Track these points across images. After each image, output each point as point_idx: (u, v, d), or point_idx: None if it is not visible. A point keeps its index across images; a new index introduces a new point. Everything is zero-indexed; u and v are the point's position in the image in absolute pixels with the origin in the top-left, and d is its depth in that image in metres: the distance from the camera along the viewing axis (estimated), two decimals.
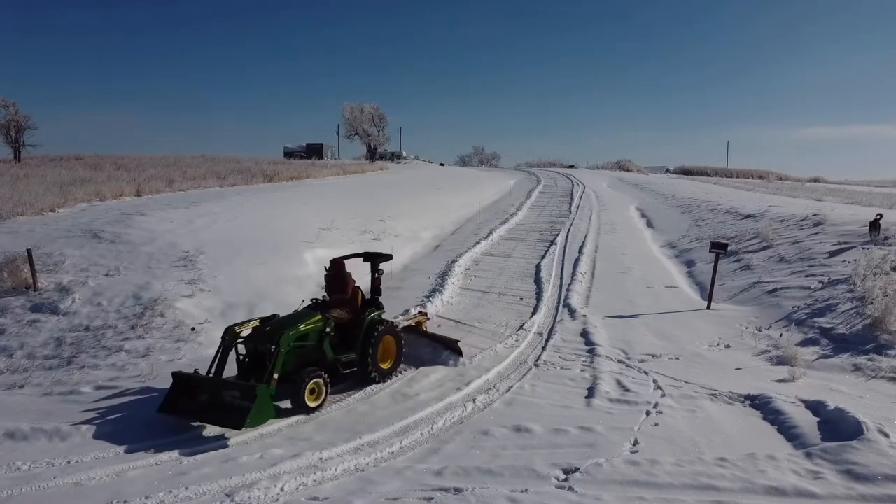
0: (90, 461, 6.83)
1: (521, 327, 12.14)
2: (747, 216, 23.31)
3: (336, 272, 9.82)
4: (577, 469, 6.48)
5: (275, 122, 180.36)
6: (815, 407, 7.95)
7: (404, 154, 79.88)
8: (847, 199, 30.04)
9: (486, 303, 14.13)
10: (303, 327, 8.55)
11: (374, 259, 10.21)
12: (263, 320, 8.80)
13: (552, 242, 21.16)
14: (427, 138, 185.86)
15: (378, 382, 9.19)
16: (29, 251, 12.08)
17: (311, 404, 8.16)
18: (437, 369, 9.82)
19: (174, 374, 8.10)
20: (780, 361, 10.38)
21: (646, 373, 9.67)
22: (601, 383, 9.11)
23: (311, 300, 9.74)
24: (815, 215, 20.01)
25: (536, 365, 10.09)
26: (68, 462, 6.78)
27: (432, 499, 5.99)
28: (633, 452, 6.94)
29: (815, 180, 63.43)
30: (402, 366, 9.83)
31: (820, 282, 13.85)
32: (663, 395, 8.67)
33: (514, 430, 7.58)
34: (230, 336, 8.41)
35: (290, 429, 7.88)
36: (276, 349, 8.02)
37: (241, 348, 8.61)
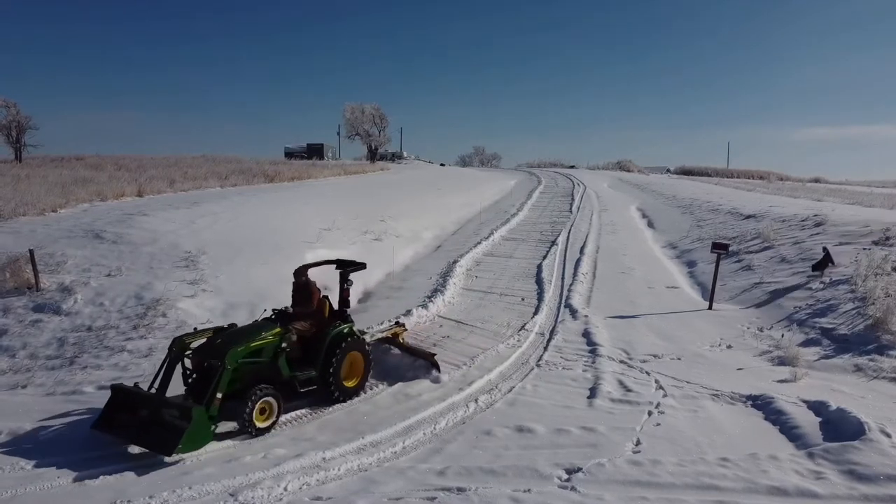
0: (93, 460, 6.84)
1: (522, 327, 12.15)
2: (748, 216, 23.31)
3: (300, 281, 9.20)
4: (579, 469, 6.49)
5: (275, 123, 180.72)
6: (816, 407, 7.95)
7: (405, 154, 79.91)
8: (848, 200, 30.04)
9: (487, 303, 14.14)
10: (254, 343, 7.95)
11: (346, 268, 9.63)
12: (217, 331, 8.35)
13: (553, 243, 21.17)
14: (428, 139, 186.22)
15: (341, 401, 8.55)
16: (31, 251, 12.10)
17: (260, 424, 7.59)
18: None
19: (112, 387, 7.66)
20: (782, 362, 10.39)
21: (647, 373, 9.68)
22: (603, 383, 9.12)
23: (273, 311, 9.00)
24: (815, 216, 20.02)
25: (538, 365, 10.10)
26: (71, 461, 6.79)
27: (435, 498, 6.01)
28: (635, 452, 6.95)
29: (816, 181, 63.40)
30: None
31: (821, 282, 13.86)
32: (665, 396, 8.68)
33: (517, 430, 7.60)
34: (178, 347, 7.89)
35: (292, 429, 7.90)
36: (221, 366, 7.45)
37: (189, 361, 8.07)
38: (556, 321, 12.69)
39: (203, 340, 8.11)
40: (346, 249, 17.54)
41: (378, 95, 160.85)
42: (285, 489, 6.29)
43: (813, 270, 14.34)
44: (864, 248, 15.31)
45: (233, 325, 8.69)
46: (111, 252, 13.89)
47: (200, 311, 11.65)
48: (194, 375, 7.98)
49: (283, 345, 8.23)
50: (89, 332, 10.72)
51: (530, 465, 6.68)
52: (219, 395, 7.33)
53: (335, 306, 9.47)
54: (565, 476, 6.42)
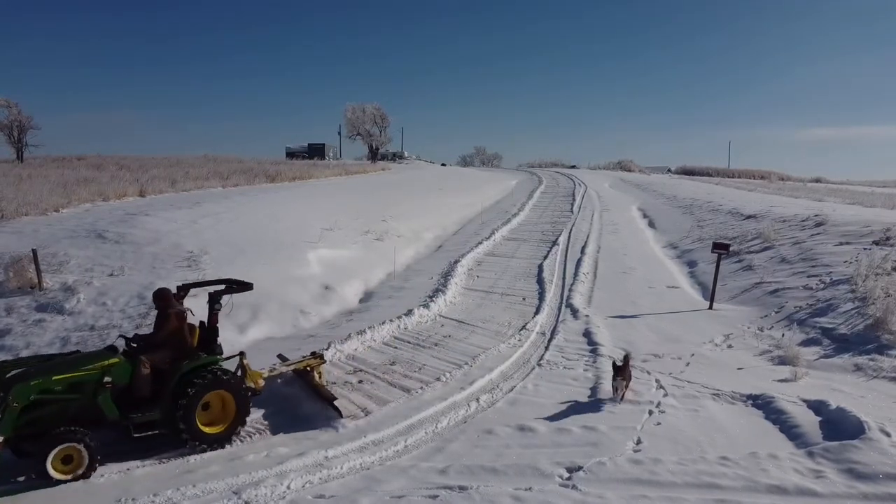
0: (97, 459, 6.87)
1: (523, 327, 12.18)
2: (749, 217, 23.34)
3: (158, 305, 7.71)
4: (580, 468, 6.52)
5: (276, 123, 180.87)
6: (816, 406, 7.97)
7: (406, 154, 79.98)
8: (849, 200, 30.06)
9: (489, 303, 14.18)
10: (59, 376, 6.62)
11: (227, 287, 8.09)
12: (44, 359, 7.30)
13: (554, 243, 21.20)
14: (429, 139, 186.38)
15: (200, 452, 7.12)
16: (34, 251, 12.15)
17: (60, 476, 6.34)
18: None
19: None
20: (782, 361, 10.41)
21: (648, 372, 9.71)
22: (604, 383, 9.14)
23: (123, 337, 7.87)
24: (816, 216, 20.05)
25: (539, 364, 10.13)
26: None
27: (437, 497, 6.04)
28: (636, 451, 6.98)
29: (817, 181, 63.43)
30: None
31: (821, 282, 13.89)
32: (666, 395, 8.71)
33: (518, 429, 7.62)
34: None
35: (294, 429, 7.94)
36: (4, 402, 6.35)
37: None
38: (557, 321, 12.73)
39: (20, 370, 6.90)
40: (347, 249, 17.61)
41: (379, 95, 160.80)
42: (288, 487, 6.33)
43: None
44: (865, 248, 15.35)
45: (76, 352, 7.59)
46: (113, 252, 13.95)
47: (201, 311, 11.67)
48: None
49: (107, 379, 6.81)
50: (92, 331, 10.76)
51: (532, 463, 6.71)
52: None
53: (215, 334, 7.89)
54: (566, 475, 6.45)
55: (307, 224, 19.01)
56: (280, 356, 9.32)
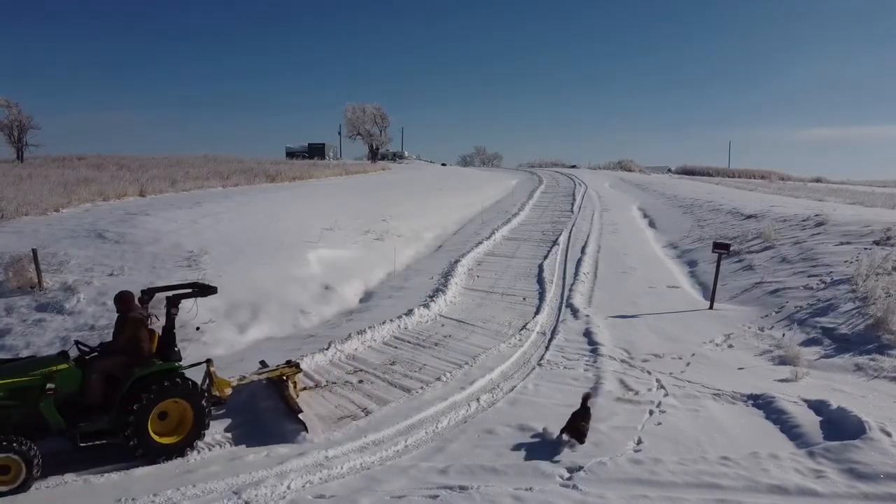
0: (98, 459, 6.87)
1: (524, 327, 12.18)
2: (749, 216, 23.33)
3: (119, 308, 7.41)
4: (581, 468, 6.52)
5: (276, 123, 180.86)
6: (817, 406, 7.97)
7: (406, 154, 79.97)
8: (849, 200, 30.05)
9: (489, 303, 14.17)
10: None
11: (188, 291, 7.81)
12: None
13: (555, 243, 21.20)
14: (429, 138, 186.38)
15: (151, 464, 6.82)
16: (34, 251, 12.14)
17: None
18: None
19: None
20: (783, 361, 10.41)
21: (649, 372, 9.71)
22: (605, 383, 9.14)
23: (76, 344, 7.48)
24: (817, 215, 20.04)
25: (540, 364, 10.13)
26: (76, 460, 6.82)
27: (437, 497, 6.04)
28: (636, 451, 6.97)
29: (817, 181, 63.40)
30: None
31: (822, 282, 13.88)
32: (666, 395, 8.70)
33: (519, 429, 7.62)
34: None
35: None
36: None
37: None
38: (557, 321, 12.72)
39: None
40: (347, 249, 17.61)
41: (379, 95, 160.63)
42: (288, 487, 6.33)
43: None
44: (866, 248, 15.34)
45: (31, 357, 7.37)
46: (114, 252, 13.94)
47: (202, 311, 11.63)
48: None
49: (49, 386, 6.52)
50: (92, 331, 10.75)
51: (532, 463, 6.71)
52: None
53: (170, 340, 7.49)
54: (567, 475, 6.45)
55: (307, 224, 19.01)
56: (262, 363, 8.96)
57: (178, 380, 7.13)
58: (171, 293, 7.60)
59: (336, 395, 8.86)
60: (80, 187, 22.52)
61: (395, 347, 11.02)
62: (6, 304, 11.48)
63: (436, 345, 11.14)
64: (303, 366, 9.70)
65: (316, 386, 9.18)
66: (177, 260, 13.83)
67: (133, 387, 6.91)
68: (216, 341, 10.90)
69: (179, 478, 6.50)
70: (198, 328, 11.05)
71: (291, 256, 15.52)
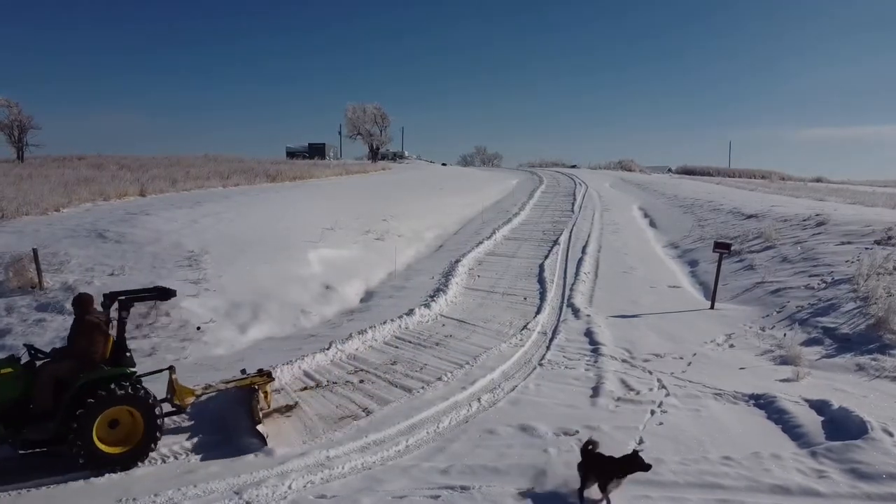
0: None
1: (525, 327, 12.17)
2: (750, 216, 23.32)
3: (76, 312, 7.18)
4: None
5: (277, 122, 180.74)
6: (819, 406, 7.96)
7: (406, 154, 79.95)
8: (850, 199, 30.00)
9: (490, 302, 14.17)
10: None
11: (142, 294, 7.66)
12: None
13: (555, 242, 21.19)
14: (429, 138, 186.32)
15: (96, 475, 6.53)
16: (35, 251, 12.14)
17: None
18: None
19: None
20: (784, 361, 10.39)
21: (650, 372, 9.70)
22: (606, 382, 9.13)
23: (26, 347, 7.24)
24: (817, 215, 20.02)
25: (541, 364, 10.12)
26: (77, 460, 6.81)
27: (439, 497, 6.03)
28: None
29: (818, 180, 63.30)
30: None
31: (823, 281, 13.87)
32: (668, 395, 8.70)
33: (520, 429, 7.61)
34: None
35: (296, 428, 7.92)
36: None
37: None
38: (558, 320, 12.71)
39: None
40: (348, 249, 17.61)
41: (380, 95, 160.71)
42: (290, 487, 6.32)
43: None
44: (867, 248, 15.32)
45: None
46: (114, 251, 13.94)
47: (203, 311, 11.68)
48: None
49: None
50: None
51: (534, 463, 6.70)
52: None
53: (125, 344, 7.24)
54: (569, 475, 6.42)
55: (308, 223, 19.01)
56: (242, 371, 8.53)
57: (127, 386, 6.79)
58: (123, 297, 7.28)
59: (337, 395, 8.86)
60: (81, 187, 22.53)
61: (396, 347, 11.02)
62: (7, 304, 11.48)
63: (437, 344, 11.14)
64: (303, 365, 9.74)
65: (317, 385, 9.18)
66: (177, 259, 13.83)
67: (79, 393, 6.63)
68: (217, 341, 10.90)
69: (180, 478, 6.50)
70: (198, 328, 11.07)
71: (292, 256, 15.52)
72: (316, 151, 69.60)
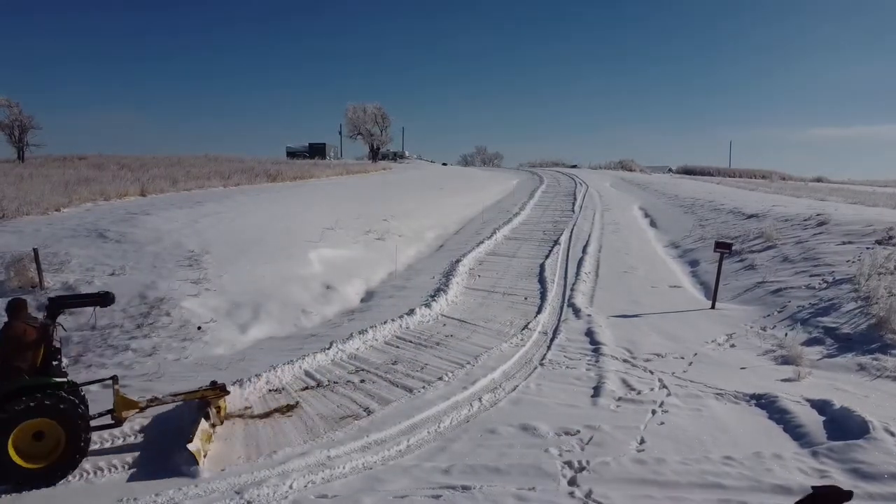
0: (99, 459, 6.86)
1: (525, 327, 12.16)
2: (751, 216, 23.31)
3: (8, 318, 6.73)
4: (584, 468, 6.50)
5: (277, 122, 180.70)
6: (820, 406, 7.96)
7: (407, 154, 79.94)
8: (850, 199, 29.99)
9: (490, 302, 14.16)
10: None
11: (76, 300, 7.49)
12: None
13: (556, 242, 21.18)
14: (429, 138, 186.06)
15: (16, 489, 6.27)
16: (35, 250, 12.13)
17: None
18: None
19: None
20: (785, 361, 10.38)
21: (651, 372, 9.69)
22: (607, 382, 9.13)
23: None
24: (818, 215, 20.00)
25: (542, 364, 10.11)
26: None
27: (440, 496, 6.03)
28: (639, 451, 6.96)
29: (819, 180, 63.32)
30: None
31: (824, 281, 13.86)
32: (669, 395, 8.69)
33: (521, 429, 7.61)
34: None
35: (297, 428, 7.92)
36: None
37: None
38: (559, 320, 12.71)
39: None
40: (348, 248, 17.61)
41: (380, 95, 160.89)
42: (291, 487, 6.32)
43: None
44: (868, 248, 15.31)
45: None
46: (115, 251, 13.93)
47: (204, 311, 11.67)
48: None
49: None
50: (93, 330, 10.75)
51: (535, 463, 6.70)
52: None
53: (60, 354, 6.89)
54: (570, 474, 6.43)
55: (308, 223, 19.00)
56: (213, 382, 7.97)
57: (47, 397, 6.36)
58: (53, 302, 6.94)
59: (338, 395, 8.85)
60: (81, 187, 22.51)
61: (397, 347, 11.01)
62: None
63: (437, 344, 11.13)
64: (304, 365, 9.74)
65: (318, 385, 9.18)
66: (178, 259, 13.82)
67: None
68: (217, 341, 10.89)
69: (181, 478, 6.48)
70: (199, 327, 11.07)
71: (292, 256, 15.52)
72: (316, 151, 69.58)
